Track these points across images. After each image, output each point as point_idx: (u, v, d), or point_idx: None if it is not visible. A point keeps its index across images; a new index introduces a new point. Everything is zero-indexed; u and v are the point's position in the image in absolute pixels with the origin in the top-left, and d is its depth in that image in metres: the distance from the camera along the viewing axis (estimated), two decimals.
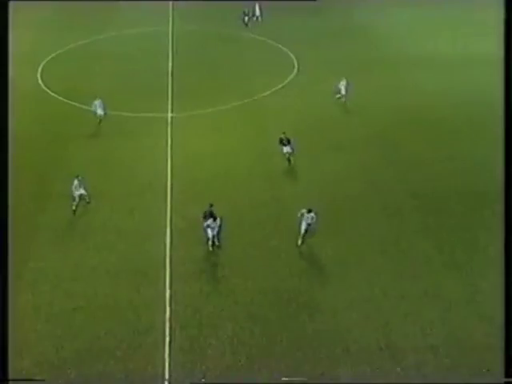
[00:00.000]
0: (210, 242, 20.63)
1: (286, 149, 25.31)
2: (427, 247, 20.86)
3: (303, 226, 19.96)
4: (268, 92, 33.75)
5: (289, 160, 25.44)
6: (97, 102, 29.08)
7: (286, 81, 35.62)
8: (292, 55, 39.46)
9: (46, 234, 21.36)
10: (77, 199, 22.58)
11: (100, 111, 29.11)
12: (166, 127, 29.32)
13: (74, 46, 40.92)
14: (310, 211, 19.95)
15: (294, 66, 37.73)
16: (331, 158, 26.50)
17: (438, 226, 21.95)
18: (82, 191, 22.69)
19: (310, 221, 19.92)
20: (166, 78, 35.64)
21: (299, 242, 20.34)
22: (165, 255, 20.18)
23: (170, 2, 50.10)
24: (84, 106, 31.51)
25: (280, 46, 41.14)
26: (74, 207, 22.57)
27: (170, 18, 46.79)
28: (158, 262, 19.91)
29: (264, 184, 24.70)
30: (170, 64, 37.71)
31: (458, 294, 18.45)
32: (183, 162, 26.17)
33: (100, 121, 29.21)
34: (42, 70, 37.16)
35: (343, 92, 31.71)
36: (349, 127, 29.68)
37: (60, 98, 33.13)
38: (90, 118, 30.05)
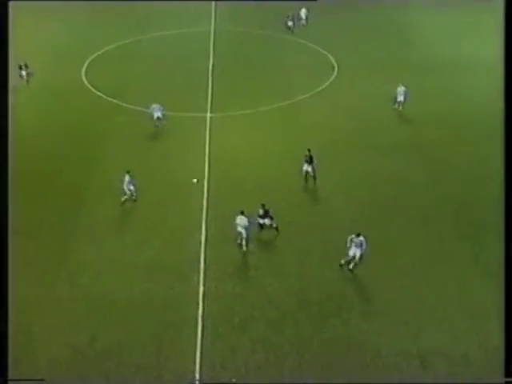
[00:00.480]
0: (244, 242, 20.77)
1: (307, 167, 24.57)
2: (463, 255, 20.63)
3: (351, 252, 19.45)
4: (307, 94, 33.89)
5: (306, 179, 24.65)
6: (155, 106, 29.36)
7: (326, 83, 35.74)
8: (331, 57, 39.54)
9: (85, 229, 21.93)
10: (128, 193, 23.04)
11: (157, 114, 29.33)
12: (205, 127, 29.62)
13: (116, 46, 41.75)
14: (358, 235, 19.37)
15: (333, 68, 37.67)
16: (368, 160, 26.53)
17: (474, 234, 21.65)
18: (132, 187, 23.11)
19: (359, 246, 19.30)
20: (206, 78, 36.07)
21: (342, 261, 19.81)
22: (199, 252, 20.52)
23: (213, 3, 50.62)
24: (125, 105, 32.26)
25: (319, 47, 41.28)
26: (123, 199, 23.07)
27: (213, 19, 47.31)
28: (192, 259, 20.25)
29: (299, 185, 24.81)
30: (211, 64, 38.09)
31: (493, 303, 18.19)
32: (220, 162, 26.46)
33: (157, 125, 29.38)
34: (87, 68, 38.06)
35: (401, 99, 31.00)
36: (389, 130, 29.49)
37: (103, 96, 33.83)
38: (131, 117, 30.78)
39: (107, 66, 38.27)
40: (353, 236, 19.46)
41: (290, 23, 44.67)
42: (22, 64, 34.30)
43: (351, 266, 19.62)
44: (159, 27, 45.53)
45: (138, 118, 30.65)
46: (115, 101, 32.95)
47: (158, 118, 29.42)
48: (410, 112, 31.19)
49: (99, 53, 40.44)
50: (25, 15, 45.38)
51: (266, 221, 21.33)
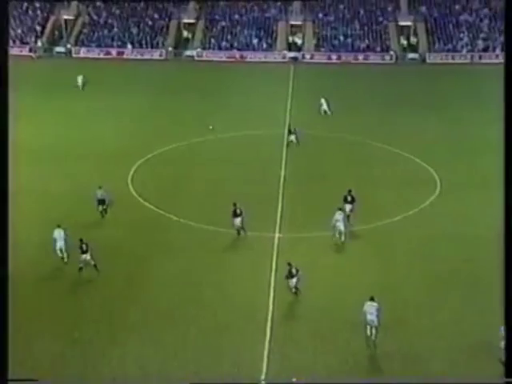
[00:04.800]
0: None
1: (349, 207, 30.11)
2: None
3: (369, 316, 21.76)
4: (399, 217, 32.12)
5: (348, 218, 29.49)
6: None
7: (425, 203, 33.80)
8: (432, 171, 37.63)
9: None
10: None
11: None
12: (272, 249, 28.90)
13: (170, 148, 42.07)
14: (372, 299, 21.86)
15: (435, 186, 35.27)
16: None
17: None
18: None
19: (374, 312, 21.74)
20: (275, 190, 35.42)
21: (368, 332, 22.01)
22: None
23: (288, 103, 51.29)
24: (174, 217, 32.04)
25: (414, 157, 40.13)
26: None
27: (287, 120, 47.41)
28: None
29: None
30: (282, 174, 37.57)
31: None
32: (288, 293, 25.30)
33: None
34: (135, 172, 38.09)
35: None
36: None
37: (150, 206, 33.63)
38: (181, 230, 30.95)
39: (158, 171, 38.53)
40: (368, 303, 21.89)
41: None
42: None
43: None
44: (225, 127, 45.99)
45: (191, 234, 30.64)
46: (161, 211, 32.86)
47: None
48: None
49: (150, 155, 40.81)
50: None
51: None
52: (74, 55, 71.30)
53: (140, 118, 48.41)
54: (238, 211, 29.82)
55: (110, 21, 74.27)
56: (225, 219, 30.04)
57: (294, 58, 69.41)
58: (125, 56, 70.66)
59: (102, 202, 31.87)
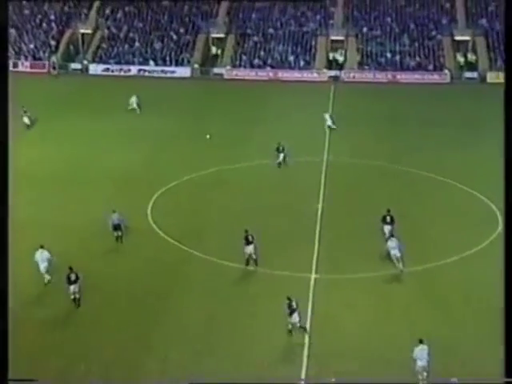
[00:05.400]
0: None
1: (388, 228, 32.13)
2: None
3: (419, 363, 22.60)
4: (454, 257, 31.86)
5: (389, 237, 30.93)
6: None
7: (484, 243, 33.29)
8: (493, 205, 37.10)
9: None
10: None
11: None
12: (307, 291, 28.88)
13: (194, 176, 42.46)
14: (421, 342, 22.79)
15: (497, 223, 35.11)
16: None
17: None
18: None
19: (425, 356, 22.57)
20: (312, 225, 35.35)
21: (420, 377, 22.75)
22: None
23: (327, 131, 51.72)
24: (196, 252, 32.30)
25: (471, 189, 39.77)
26: None
27: (326, 147, 47.92)
28: None
29: None
30: (320, 206, 37.55)
31: None
32: (324, 340, 25.50)
33: None
34: (155, 201, 38.47)
35: None
36: None
37: (171, 239, 33.92)
38: (204, 266, 31.29)
39: (180, 201, 38.95)
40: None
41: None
42: None
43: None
44: (256, 153, 46.42)
45: (214, 271, 30.84)
46: (183, 247, 33.13)
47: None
48: None
49: (173, 183, 41.23)
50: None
51: None
52: (90, 72, 73.17)
53: (162, 142, 48.99)
54: (250, 238, 30.24)
55: (131, 35, 75.97)
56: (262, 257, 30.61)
57: (335, 77, 70.09)
58: (146, 74, 72.22)
59: (117, 227, 32.75)
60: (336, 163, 44.52)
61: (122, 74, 72.25)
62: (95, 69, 73.12)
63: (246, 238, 30.21)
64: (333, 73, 70.60)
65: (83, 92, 64.16)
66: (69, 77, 71.77)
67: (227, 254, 31.27)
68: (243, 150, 47.01)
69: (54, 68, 72.69)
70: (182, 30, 75.76)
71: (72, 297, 27.27)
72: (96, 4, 78.97)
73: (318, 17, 75.68)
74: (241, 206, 37.72)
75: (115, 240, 32.84)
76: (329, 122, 51.37)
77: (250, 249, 30.25)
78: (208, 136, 48.10)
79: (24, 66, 73.03)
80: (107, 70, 72.79)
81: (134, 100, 56.75)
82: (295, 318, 24.82)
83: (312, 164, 44.20)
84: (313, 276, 30.12)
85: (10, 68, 70.60)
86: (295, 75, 70.45)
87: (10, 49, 73.21)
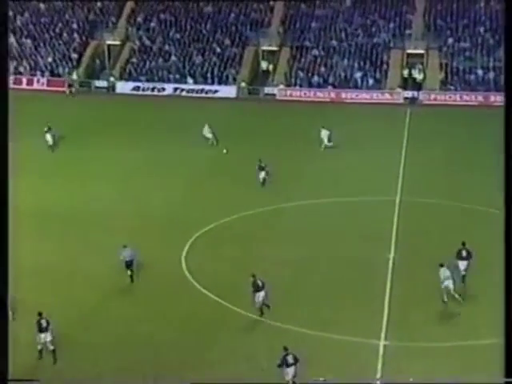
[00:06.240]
0: None
1: (464, 264, 33.75)
2: None
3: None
4: None
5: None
6: None
7: None
8: None
9: None
10: None
11: None
12: (376, 360, 28.94)
13: (236, 218, 42.69)
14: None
15: None
16: None
17: None
18: None
19: None
20: (381, 276, 35.57)
21: None
22: None
23: (402, 160, 51.90)
24: (240, 310, 32.45)
25: None
26: None
27: (399, 186, 47.76)
28: None
29: None
30: (391, 257, 37.56)
31: None
32: None
33: None
34: (190, 248, 38.69)
35: None
36: None
37: (209, 293, 34.07)
38: (251, 328, 31.57)
39: (219, 247, 39.15)
40: None
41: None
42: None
43: None
44: (311, 191, 46.63)
45: (263, 334, 30.94)
46: (225, 303, 33.16)
47: None
48: None
49: (210, 226, 41.53)
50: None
51: None
52: (117, 91, 74.14)
53: (199, 177, 49.39)
54: (260, 283, 30.89)
55: (166, 47, 76.79)
56: (314, 316, 31.14)
57: (412, 99, 69.94)
58: (184, 93, 72.93)
59: (130, 263, 34.16)
60: (410, 203, 44.39)
61: (155, 93, 73.01)
62: (123, 87, 73.95)
63: (255, 284, 30.88)
64: (409, 94, 70.48)
65: (108, 114, 64.95)
66: (92, 96, 72.82)
67: (279, 313, 30.99)
68: (298, 186, 47.02)
69: (70, 86, 73.29)
70: (227, 42, 76.31)
71: (39, 347, 27.46)
72: (126, 11, 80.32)
73: (392, 26, 75.48)
74: (291, 254, 37.63)
75: (130, 279, 34.05)
76: (325, 141, 52.77)
77: (261, 296, 30.87)
78: (225, 151, 49.68)
79: (40, 83, 74.42)
80: (137, 88, 73.62)
81: (207, 129, 55.34)
82: (292, 371, 25.84)
83: (381, 204, 44.25)
84: (382, 343, 30.10)
85: (24, 85, 72.48)
86: (362, 96, 70.48)
87: (25, 63, 75.02)
